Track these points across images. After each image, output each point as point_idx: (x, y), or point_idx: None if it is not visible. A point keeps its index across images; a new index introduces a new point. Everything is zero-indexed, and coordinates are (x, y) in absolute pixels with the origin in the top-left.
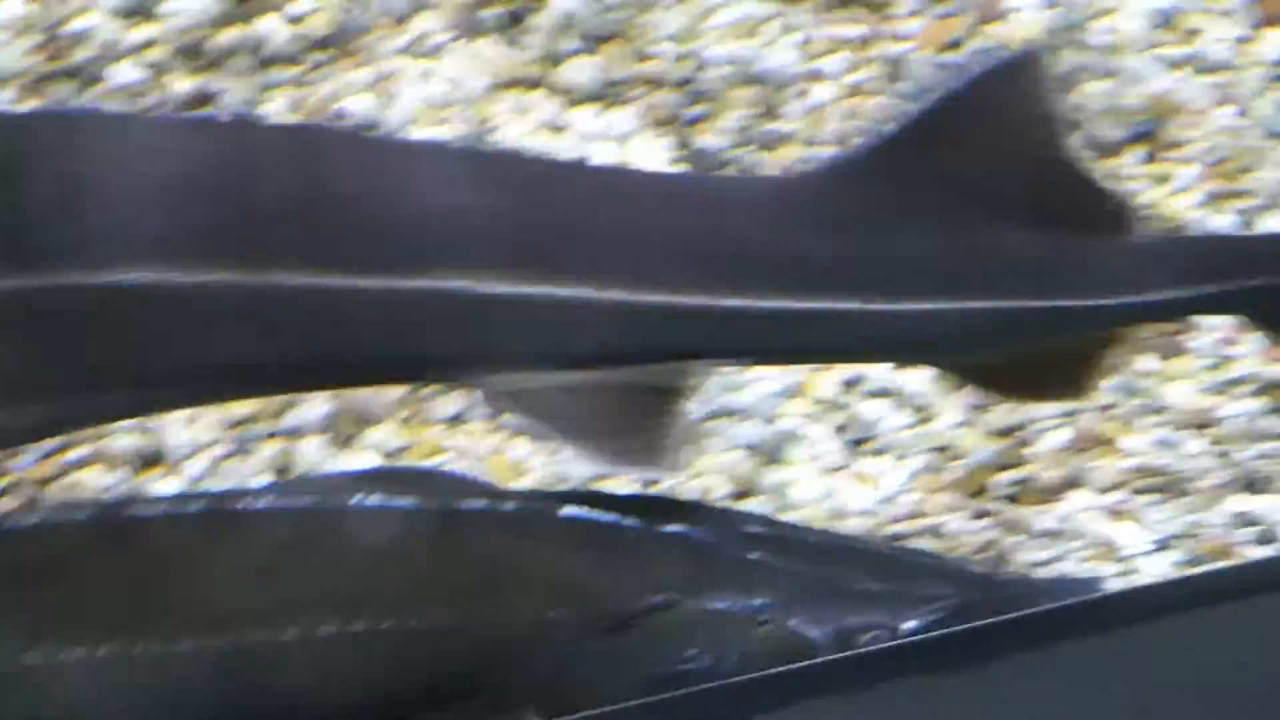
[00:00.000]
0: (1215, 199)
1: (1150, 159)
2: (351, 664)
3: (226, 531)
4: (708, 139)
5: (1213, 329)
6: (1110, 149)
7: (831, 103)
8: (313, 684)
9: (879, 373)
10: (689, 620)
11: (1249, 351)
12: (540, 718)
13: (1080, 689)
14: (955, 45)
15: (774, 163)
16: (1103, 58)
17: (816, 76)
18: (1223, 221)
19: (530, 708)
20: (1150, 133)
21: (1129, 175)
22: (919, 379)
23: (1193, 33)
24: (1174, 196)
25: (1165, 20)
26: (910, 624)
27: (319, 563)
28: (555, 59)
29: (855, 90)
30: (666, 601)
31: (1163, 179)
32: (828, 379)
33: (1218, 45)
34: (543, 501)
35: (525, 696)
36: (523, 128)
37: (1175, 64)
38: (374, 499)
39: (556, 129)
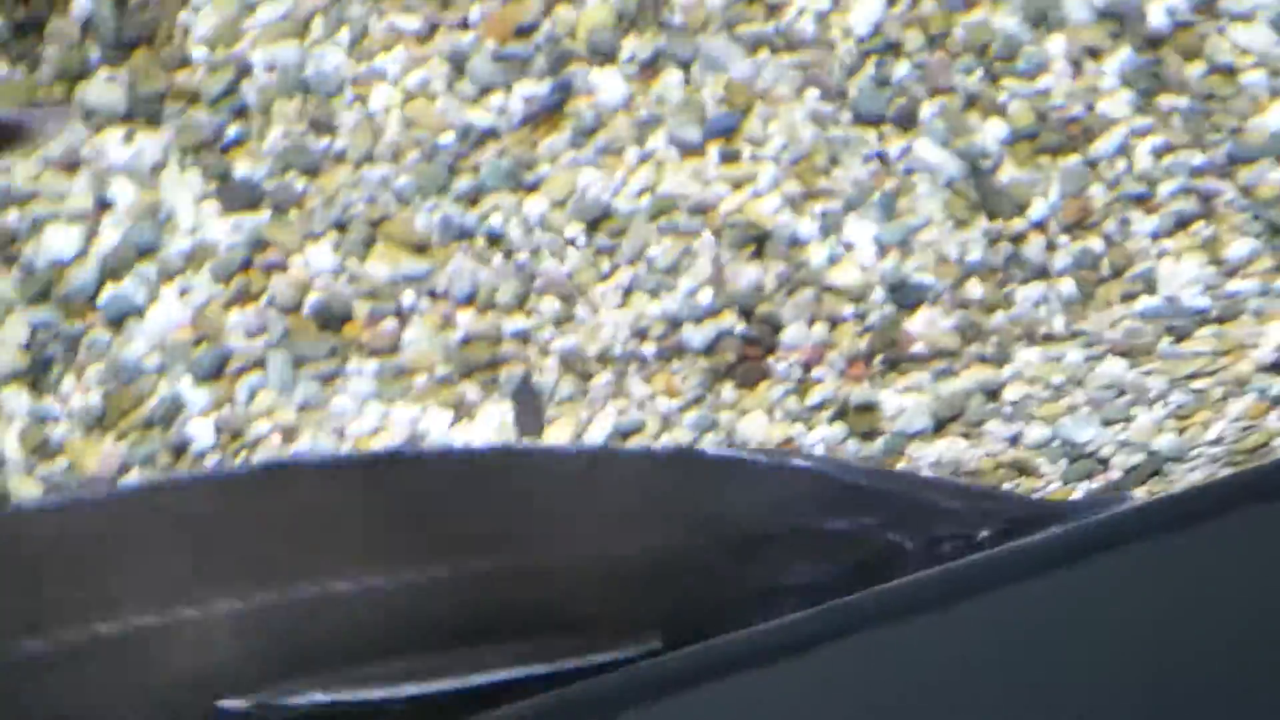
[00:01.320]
0: (797, 201)
1: (731, 158)
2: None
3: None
4: (248, 166)
5: (793, 348)
6: (690, 149)
7: (390, 110)
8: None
9: None
10: (810, 539)
11: (828, 375)
12: (661, 641)
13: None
14: (527, 31)
15: (320, 189)
16: (683, 40)
17: (373, 79)
18: (805, 226)
19: (657, 632)
20: (731, 127)
21: (708, 178)
22: None
23: (776, 8)
24: (755, 201)
25: None
26: (984, 534)
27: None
28: (73, 75)
29: (416, 94)
30: (790, 525)
31: (742, 182)
32: None
33: (803, 20)
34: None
35: (654, 620)
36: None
37: (759, 43)
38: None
39: (70, 168)
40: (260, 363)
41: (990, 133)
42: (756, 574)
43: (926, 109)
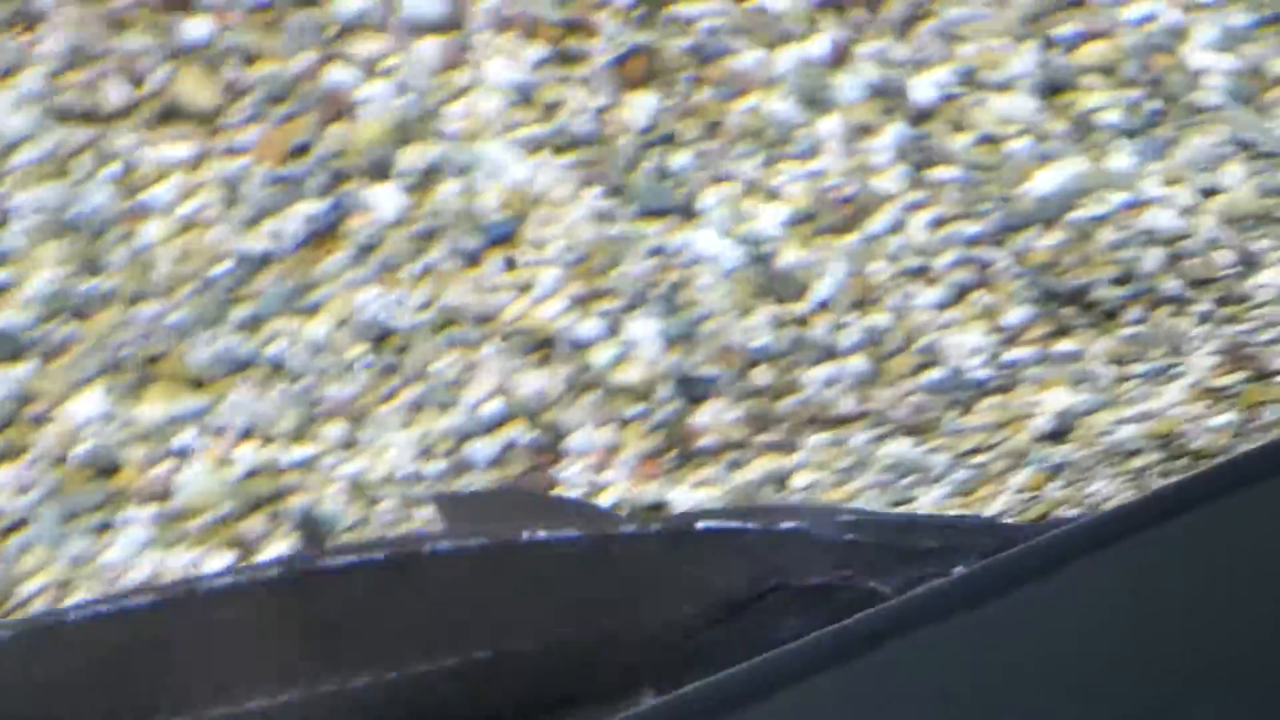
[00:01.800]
0: (580, 303)
1: (511, 265)
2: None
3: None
4: (11, 316)
5: (583, 453)
6: (470, 259)
7: (162, 243)
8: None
9: None
10: (792, 596)
11: (619, 476)
12: (655, 694)
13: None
14: (302, 151)
15: (90, 332)
16: (460, 148)
17: (143, 212)
18: (589, 327)
19: (648, 689)
20: (510, 233)
21: (490, 287)
22: None
23: (553, 107)
24: (538, 306)
25: (524, 96)
26: (958, 569)
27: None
28: None
29: (190, 223)
30: (777, 584)
31: (524, 288)
32: None
33: (581, 118)
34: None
35: (648, 679)
36: None
37: (537, 145)
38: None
39: None
40: (28, 519)
41: (769, 218)
42: (743, 635)
43: (707, 197)
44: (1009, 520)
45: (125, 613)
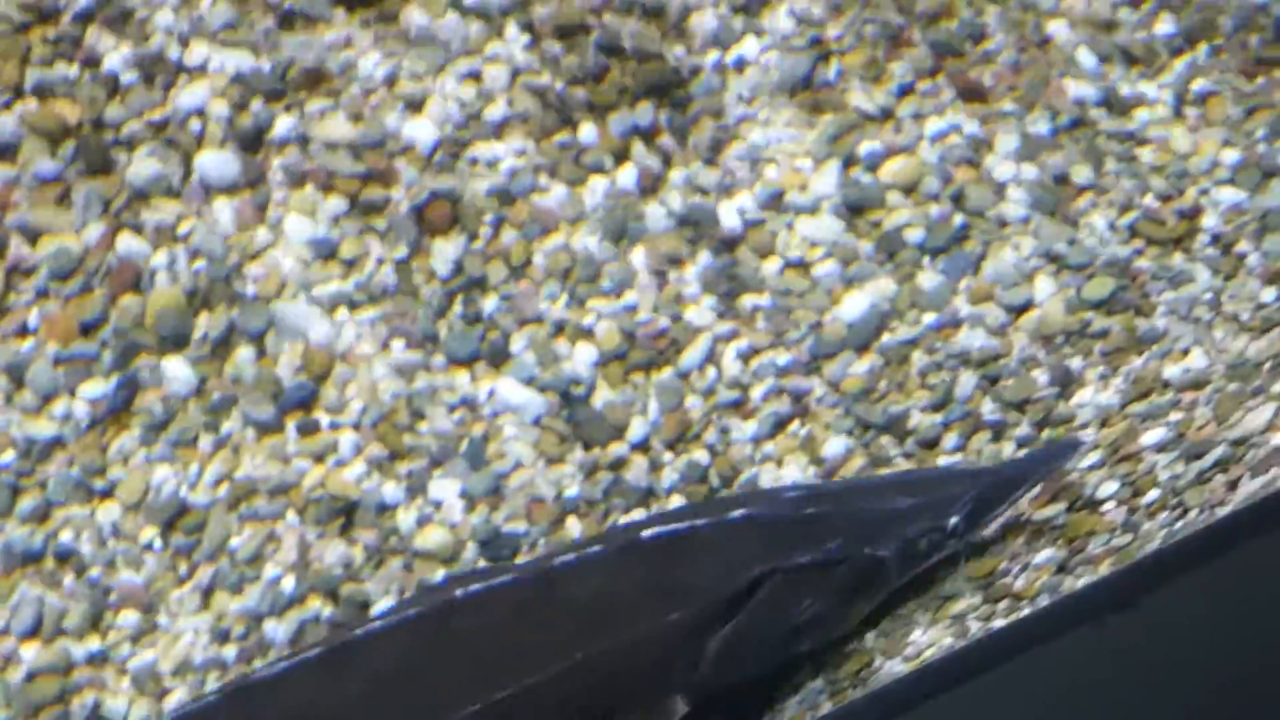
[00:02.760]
0: (382, 465)
1: (310, 430)
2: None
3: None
4: None
5: None
6: (266, 428)
7: None
8: None
9: None
10: (786, 581)
11: None
12: (686, 704)
13: None
14: (92, 328)
15: None
16: (257, 311)
17: None
18: (391, 490)
19: (677, 697)
20: (310, 397)
21: (288, 455)
22: None
23: (354, 260)
24: (338, 471)
25: (324, 252)
26: (953, 520)
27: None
28: None
29: None
30: (760, 574)
31: (324, 454)
32: None
33: (383, 270)
34: (623, 535)
35: (675, 687)
36: None
37: (338, 302)
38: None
39: None
40: None
41: (580, 358)
42: (757, 626)
43: (517, 342)
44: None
45: None
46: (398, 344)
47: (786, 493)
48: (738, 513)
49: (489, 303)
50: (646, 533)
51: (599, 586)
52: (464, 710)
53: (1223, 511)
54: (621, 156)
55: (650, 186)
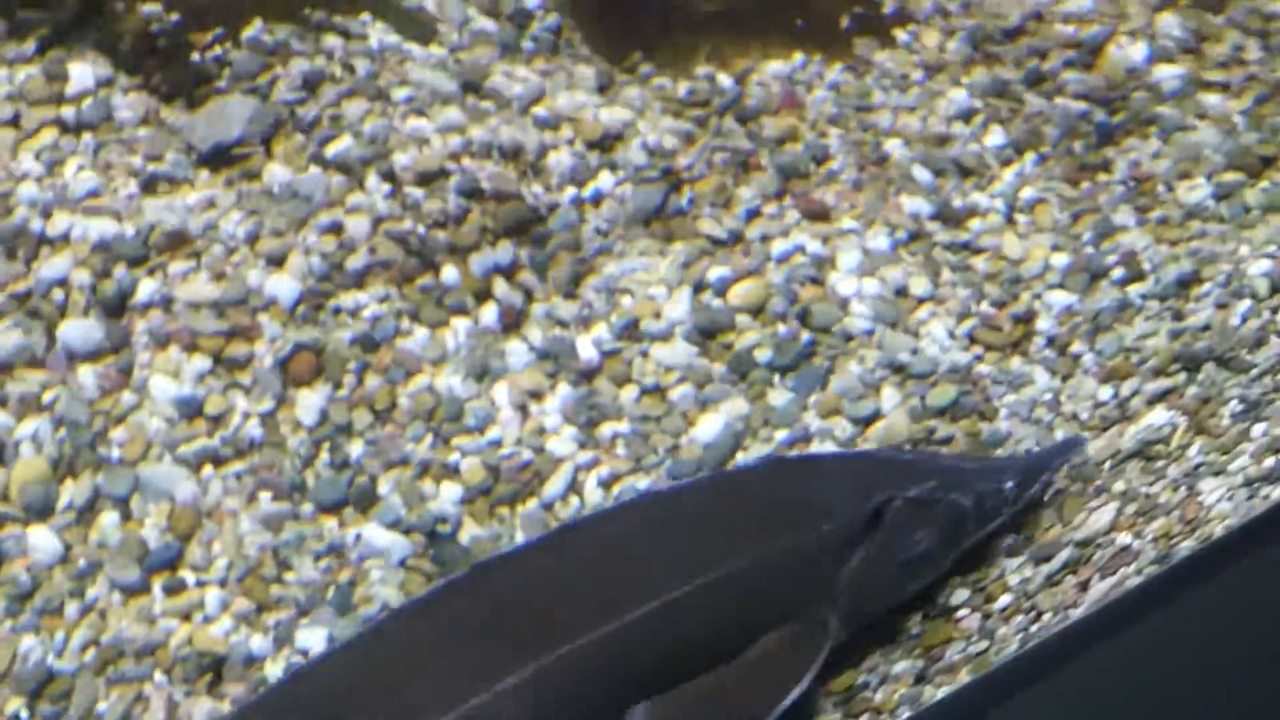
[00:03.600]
0: (249, 619)
1: (176, 590)
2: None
3: None
4: None
5: None
6: (133, 590)
7: None
8: None
9: None
10: (904, 508)
11: None
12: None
13: None
14: None
15: None
16: (122, 475)
17: None
18: (259, 642)
19: (831, 617)
20: (176, 556)
21: (155, 616)
22: None
23: (220, 417)
24: (205, 628)
25: (189, 411)
26: (1009, 484)
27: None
28: None
29: None
30: (884, 501)
31: (190, 612)
32: None
33: (249, 424)
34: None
35: (827, 595)
36: None
37: (204, 460)
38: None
39: None
40: None
41: (446, 496)
42: (886, 549)
43: (383, 485)
44: None
45: None
46: (265, 496)
47: (901, 452)
48: (875, 450)
49: (355, 448)
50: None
51: (756, 497)
52: (647, 606)
53: (1076, 614)
54: (484, 295)
55: (512, 323)
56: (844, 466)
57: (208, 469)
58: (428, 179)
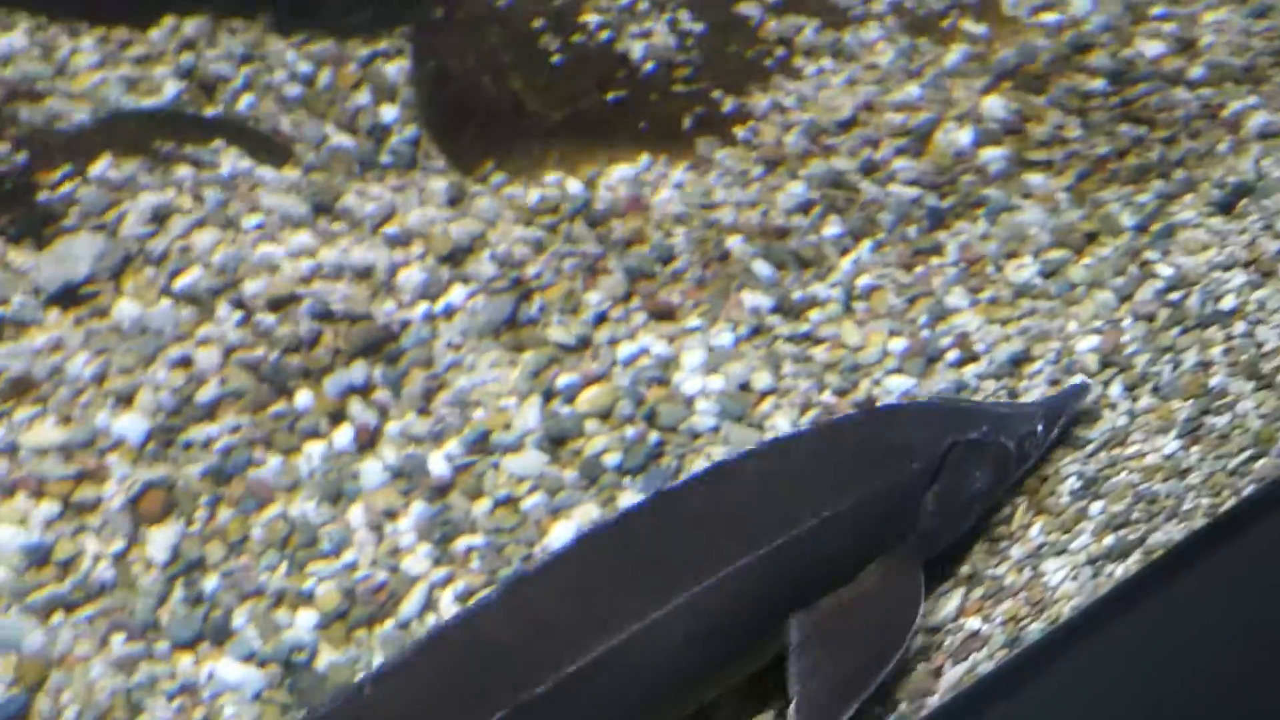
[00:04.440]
0: None
1: None
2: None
3: None
4: None
5: None
6: None
7: None
8: None
9: None
10: (966, 449)
11: None
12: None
13: None
14: None
15: None
16: None
17: None
18: None
19: (911, 536)
20: (23, 709)
21: None
22: None
23: (70, 562)
24: None
25: (37, 558)
26: (1039, 427)
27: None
28: None
29: None
30: (952, 442)
31: None
32: None
33: (99, 567)
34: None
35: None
36: None
37: (53, 607)
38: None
39: None
40: None
41: (302, 624)
42: (952, 489)
43: (238, 618)
44: None
45: None
46: (117, 638)
47: (956, 401)
48: (922, 400)
49: (210, 582)
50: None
51: (858, 441)
52: (782, 537)
53: (932, 701)
54: (338, 417)
55: (367, 442)
56: (918, 412)
57: (57, 616)
58: (279, 304)
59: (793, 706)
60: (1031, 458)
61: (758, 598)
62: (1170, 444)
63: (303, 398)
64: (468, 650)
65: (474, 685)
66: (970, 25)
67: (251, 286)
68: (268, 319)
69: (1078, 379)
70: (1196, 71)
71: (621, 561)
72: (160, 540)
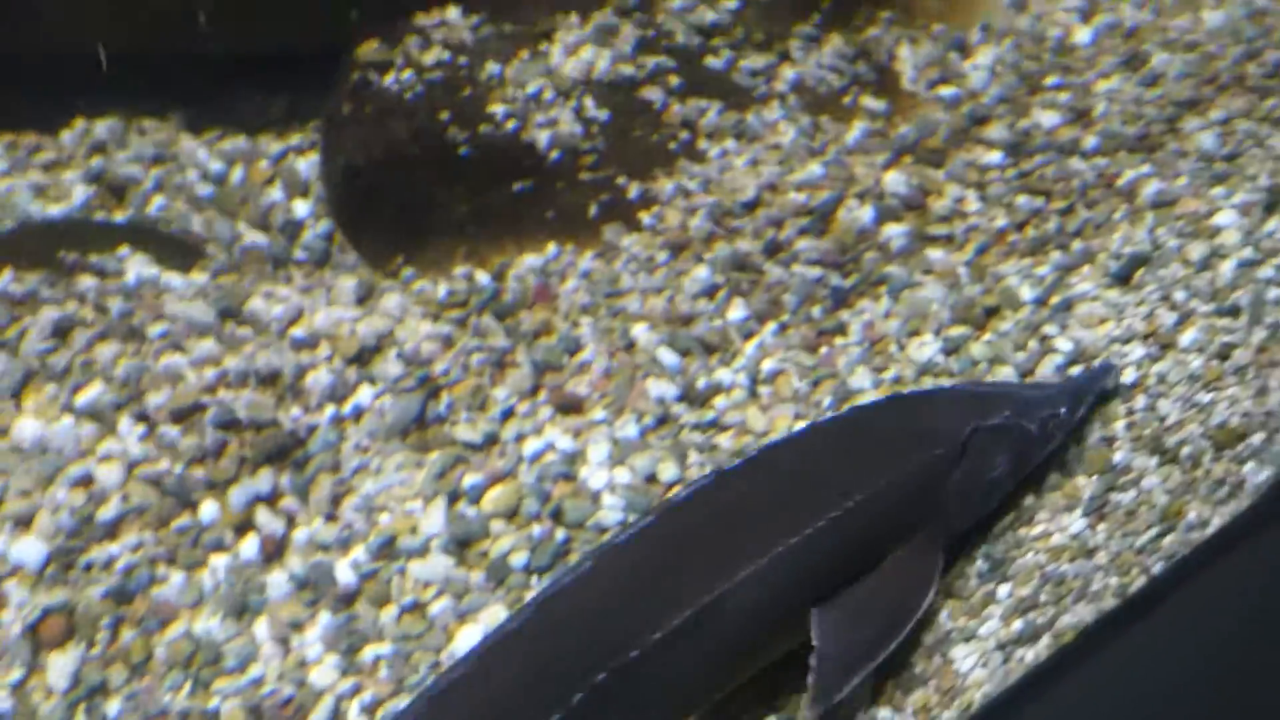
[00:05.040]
0: None
1: None
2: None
3: None
4: None
5: None
6: None
7: None
8: None
9: None
10: (987, 434)
11: None
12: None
13: None
14: None
15: None
16: None
17: None
18: None
19: (939, 535)
20: None
21: None
22: None
23: None
24: None
25: None
26: (1063, 410)
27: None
28: None
29: None
30: (974, 429)
31: None
32: None
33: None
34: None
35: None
36: None
37: None
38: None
39: None
40: None
41: None
42: (974, 473)
43: None
44: None
45: None
46: None
47: (977, 386)
48: (958, 386)
49: (113, 706)
50: (926, 390)
51: (884, 428)
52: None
53: None
54: (244, 528)
55: (274, 552)
56: (941, 398)
57: None
58: (183, 416)
59: (810, 675)
60: (1056, 439)
61: (790, 582)
62: (1076, 523)
63: (207, 510)
64: (569, 618)
65: (576, 649)
66: (870, 101)
67: (155, 398)
68: (172, 431)
69: (1106, 358)
70: (1091, 141)
71: (679, 545)
72: (60, 666)
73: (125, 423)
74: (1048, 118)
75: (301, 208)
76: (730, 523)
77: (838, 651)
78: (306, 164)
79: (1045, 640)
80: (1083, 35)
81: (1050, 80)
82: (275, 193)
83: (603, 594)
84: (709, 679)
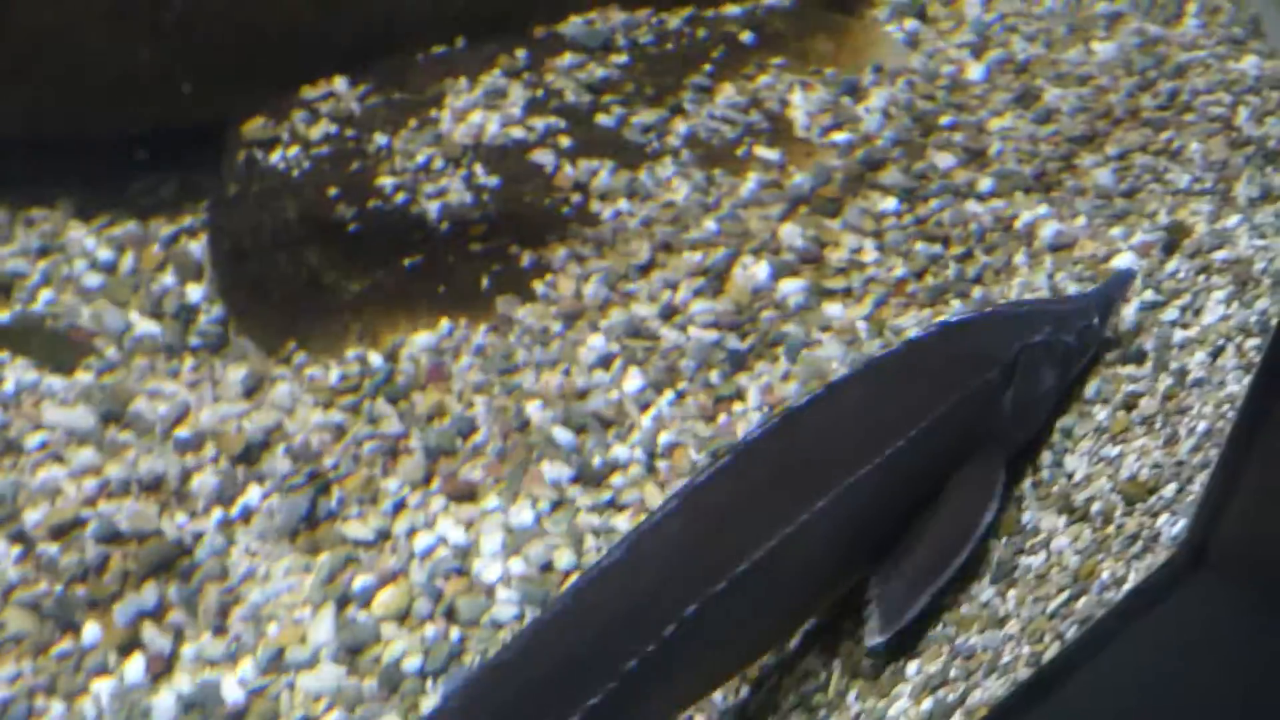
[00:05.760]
0: None
1: None
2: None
3: None
4: None
5: None
6: None
7: None
8: None
9: None
10: (1034, 352)
11: None
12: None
13: None
14: None
15: None
16: None
17: None
18: None
19: (993, 443)
20: None
21: None
22: None
23: None
24: None
25: None
26: (1095, 320)
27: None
28: None
29: None
30: (1021, 348)
31: None
32: None
33: None
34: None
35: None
36: None
37: None
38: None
39: None
40: None
41: None
42: (1025, 391)
43: None
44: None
45: None
46: None
47: (1016, 306)
48: (988, 310)
49: None
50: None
51: (939, 356)
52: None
53: None
54: (129, 648)
55: (161, 671)
56: (987, 322)
57: None
58: (62, 532)
59: (872, 602)
60: (1091, 349)
61: (874, 502)
62: (985, 590)
63: (90, 631)
64: (658, 553)
65: (667, 582)
66: (764, 151)
67: (32, 516)
68: (50, 549)
69: (1123, 264)
70: (987, 183)
71: (759, 481)
72: None
73: (0, 544)
74: (943, 159)
75: (195, 292)
76: (803, 458)
77: (901, 574)
78: (199, 245)
79: (957, 718)
80: (975, 72)
81: (944, 120)
82: (167, 278)
83: (690, 529)
84: (788, 611)
